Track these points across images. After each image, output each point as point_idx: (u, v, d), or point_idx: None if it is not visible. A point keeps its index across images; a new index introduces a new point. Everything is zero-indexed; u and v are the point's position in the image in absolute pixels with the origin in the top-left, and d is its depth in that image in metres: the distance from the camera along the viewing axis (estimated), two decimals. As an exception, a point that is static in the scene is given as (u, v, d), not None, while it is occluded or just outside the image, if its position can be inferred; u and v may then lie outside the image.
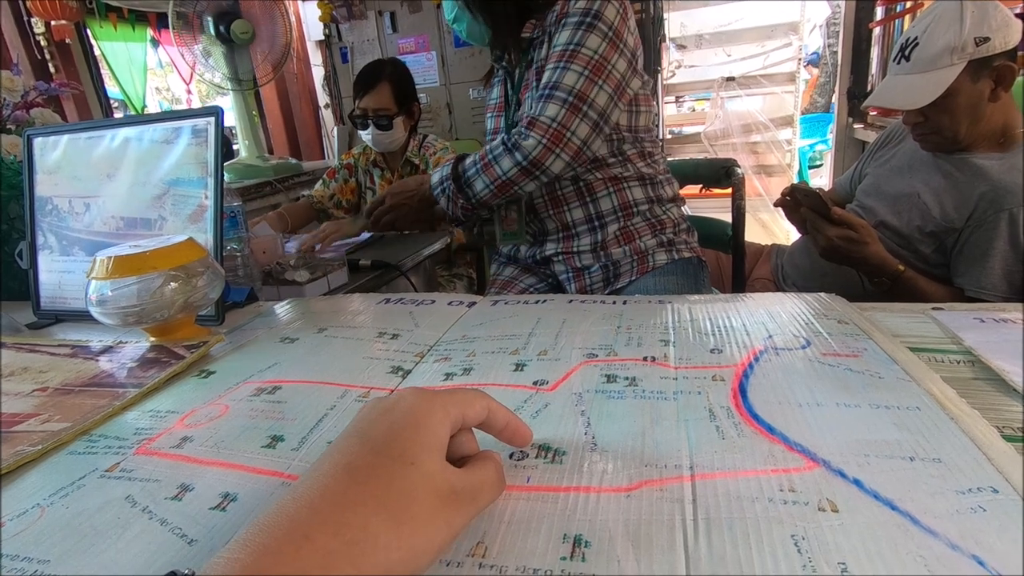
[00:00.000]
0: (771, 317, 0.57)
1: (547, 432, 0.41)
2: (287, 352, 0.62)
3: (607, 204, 0.99)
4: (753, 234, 1.75)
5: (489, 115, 1.11)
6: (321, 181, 1.92)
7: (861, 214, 1.30)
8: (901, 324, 0.56)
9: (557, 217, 1.02)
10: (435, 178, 1.01)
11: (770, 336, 0.52)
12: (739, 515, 0.31)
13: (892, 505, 0.30)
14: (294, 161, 2.89)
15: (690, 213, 1.28)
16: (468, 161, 0.97)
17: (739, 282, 1.39)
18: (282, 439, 0.44)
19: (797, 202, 1.21)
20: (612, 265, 1.00)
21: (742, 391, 0.43)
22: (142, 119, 0.89)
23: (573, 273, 1.02)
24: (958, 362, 0.48)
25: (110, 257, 0.64)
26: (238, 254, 1.14)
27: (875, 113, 2.69)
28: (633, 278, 0.99)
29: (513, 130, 0.91)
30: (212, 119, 0.79)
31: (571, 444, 0.39)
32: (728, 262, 1.46)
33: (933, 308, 0.59)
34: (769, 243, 1.66)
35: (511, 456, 0.38)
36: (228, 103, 2.69)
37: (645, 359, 0.50)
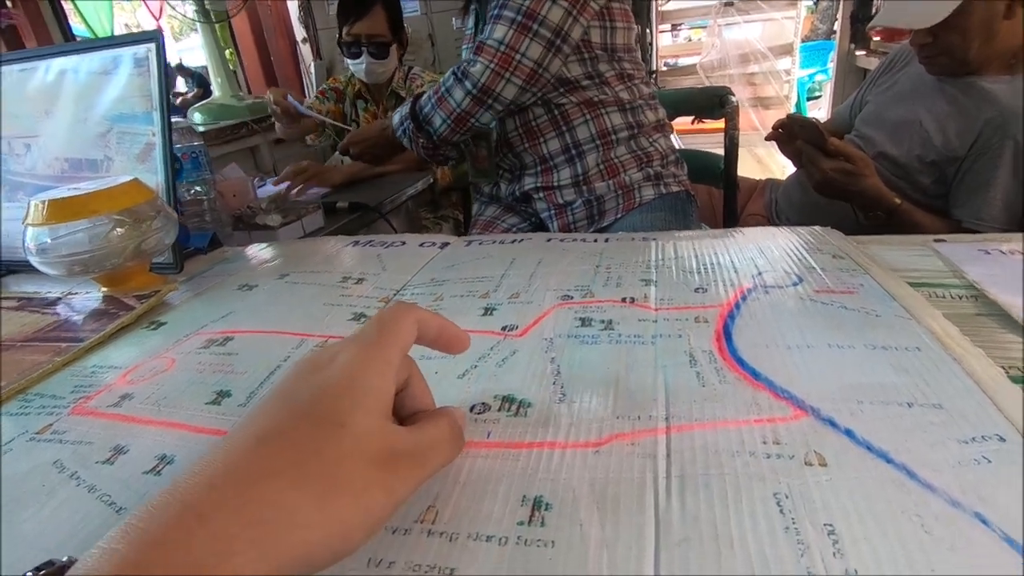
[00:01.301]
0: (761, 253, 0.53)
1: (513, 382, 0.37)
2: (244, 300, 0.58)
3: (584, 132, 0.93)
4: (748, 170, 1.68)
5: (465, 46, 1.02)
6: (316, 97, 1.81)
7: (859, 144, 1.24)
8: (900, 258, 0.52)
9: (533, 149, 0.96)
10: (395, 119, 0.96)
11: (760, 273, 0.48)
12: (717, 471, 0.28)
13: (887, 457, 0.27)
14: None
15: (681, 147, 1.21)
16: (424, 98, 0.91)
17: (731, 218, 1.34)
18: (229, 394, 0.40)
19: (792, 134, 1.16)
20: (596, 201, 0.95)
21: (726, 333, 0.39)
22: (75, 47, 0.81)
23: (555, 210, 0.97)
24: (961, 297, 0.44)
25: (44, 201, 0.59)
26: (204, 198, 1.08)
27: (879, 38, 2.55)
28: (619, 216, 0.94)
29: (463, 57, 0.85)
30: (152, 45, 0.71)
31: (538, 395, 0.35)
32: (720, 197, 1.40)
33: (935, 240, 0.55)
34: (764, 178, 1.61)
35: (472, 409, 0.35)
36: (200, 40, 2.52)
37: (624, 300, 0.46)
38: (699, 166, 1.35)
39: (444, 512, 0.28)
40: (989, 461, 0.26)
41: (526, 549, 0.25)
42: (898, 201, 1.12)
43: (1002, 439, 0.27)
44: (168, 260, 0.71)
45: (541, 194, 0.97)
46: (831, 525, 0.24)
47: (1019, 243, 0.52)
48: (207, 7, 2.40)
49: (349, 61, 1.65)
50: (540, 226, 1.03)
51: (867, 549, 0.23)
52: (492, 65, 0.82)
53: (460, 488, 0.29)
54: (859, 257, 0.50)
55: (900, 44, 1.33)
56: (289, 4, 3.91)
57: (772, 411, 0.31)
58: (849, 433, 0.29)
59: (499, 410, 0.35)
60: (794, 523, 0.24)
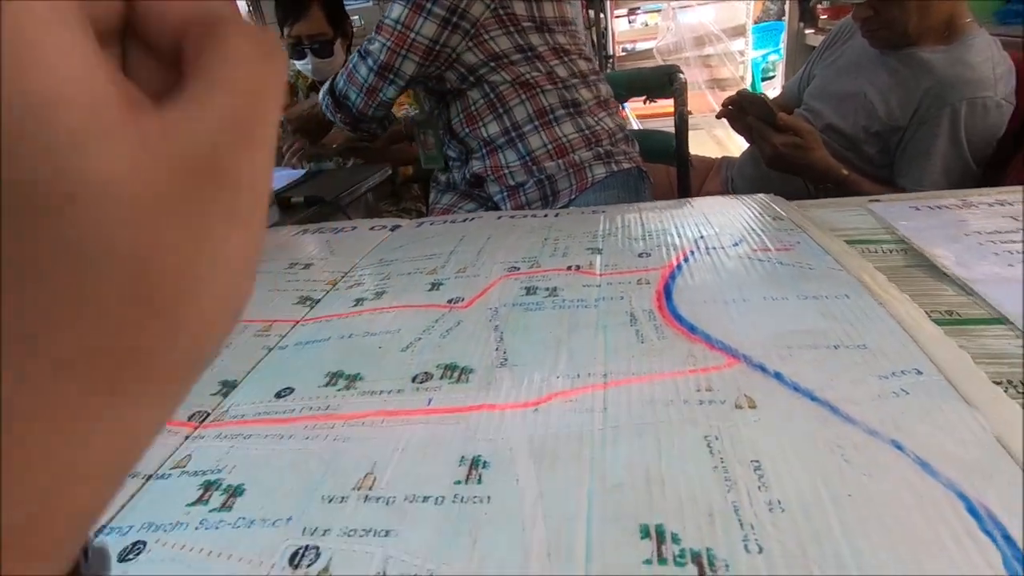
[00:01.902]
0: (706, 219, 0.54)
1: (456, 351, 0.37)
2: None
3: (521, 113, 0.93)
4: (708, 150, 1.71)
5: None
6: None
7: (808, 118, 1.27)
8: (837, 218, 0.53)
9: (475, 134, 0.96)
10: (320, 95, 0.97)
11: (702, 237, 0.49)
12: (651, 420, 0.28)
13: (812, 396, 0.28)
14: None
15: (640, 127, 1.22)
16: (339, 75, 0.94)
17: (686, 195, 1.36)
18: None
19: (742, 110, 1.18)
20: (547, 180, 0.95)
21: (667, 292, 0.40)
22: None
23: (507, 192, 0.97)
24: (891, 251, 0.46)
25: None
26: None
27: (826, 17, 2.62)
28: (573, 196, 0.94)
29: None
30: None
31: (480, 361, 0.35)
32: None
33: (870, 200, 0.57)
34: (719, 156, 1.63)
35: (414, 379, 0.35)
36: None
37: (569, 268, 0.46)
38: (654, 146, 1.36)
39: (382, 478, 0.28)
40: (907, 393, 0.27)
41: (462, 506, 0.25)
42: (846, 172, 1.16)
43: (919, 372, 0.29)
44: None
45: (492, 176, 0.97)
46: (757, 461, 0.25)
47: (948, 199, 0.54)
48: None
49: (295, 61, 1.62)
50: (496, 209, 1.02)
51: (790, 481, 0.24)
52: (389, 43, 0.86)
53: (400, 454, 0.29)
54: (798, 218, 0.51)
55: (844, 19, 1.37)
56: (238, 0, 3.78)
57: (707, 361, 0.32)
58: (778, 376, 0.30)
59: (441, 378, 0.34)
60: (723, 462, 0.25)
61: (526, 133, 0.94)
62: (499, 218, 0.64)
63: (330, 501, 0.27)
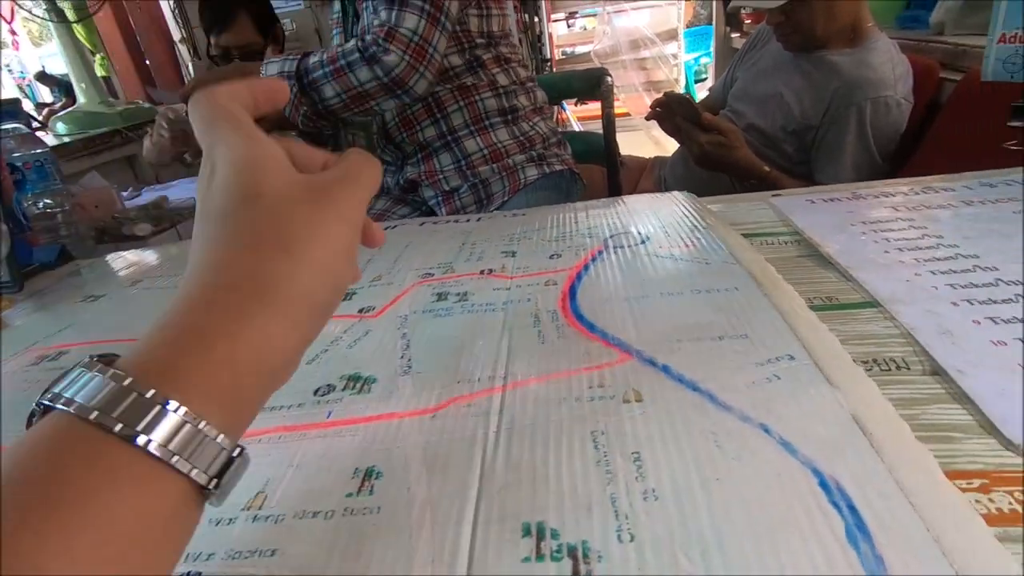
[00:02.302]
0: (618, 217, 0.55)
1: (361, 361, 0.37)
2: (87, 312, 0.53)
3: (458, 118, 0.93)
4: (646, 151, 1.76)
5: (335, 31, 0.99)
6: None
7: (732, 119, 1.33)
8: (741, 212, 0.56)
9: (411, 138, 0.95)
10: (271, 69, 0.84)
11: (611, 236, 0.50)
12: (543, 419, 0.29)
13: (694, 386, 0.29)
14: (147, 105, 2.53)
15: (579, 128, 1.24)
16: (313, 61, 0.82)
17: (616, 194, 1.40)
18: (54, 410, 0.37)
19: (670, 110, 1.22)
20: (482, 184, 0.95)
21: (571, 293, 0.41)
22: None
23: (442, 196, 0.97)
24: (787, 243, 0.48)
25: None
26: (56, 211, 0.98)
27: (749, 21, 2.74)
28: (506, 198, 0.95)
29: (368, 38, 0.79)
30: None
31: (384, 370, 0.35)
32: (613, 176, 1.45)
33: (772, 195, 0.60)
34: (653, 156, 1.68)
35: (316, 392, 0.34)
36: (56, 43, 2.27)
37: (482, 272, 0.47)
38: (588, 147, 1.39)
39: (273, 496, 0.27)
40: (779, 378, 0.29)
41: (352, 518, 0.25)
42: (767, 169, 1.22)
43: (792, 358, 0.30)
44: (4, 278, 0.64)
45: (426, 181, 0.97)
46: (638, 453, 0.26)
47: (841, 191, 0.57)
48: (59, 5, 2.18)
49: None
50: (430, 213, 1.02)
51: (665, 469, 0.25)
52: (408, 57, 0.78)
53: (293, 471, 0.28)
54: (704, 214, 0.53)
55: (761, 24, 1.43)
56: (162, 2, 3.62)
57: (601, 358, 0.33)
58: (666, 369, 0.31)
59: (343, 389, 0.34)
60: (606, 456, 0.26)
61: (461, 138, 0.94)
62: (422, 224, 0.63)
63: (218, 524, 0.26)
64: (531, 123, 0.99)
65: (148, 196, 1.29)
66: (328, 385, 0.35)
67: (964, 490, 0.23)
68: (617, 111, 1.40)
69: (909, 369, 0.30)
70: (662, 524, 0.22)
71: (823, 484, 0.23)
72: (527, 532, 0.23)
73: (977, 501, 0.23)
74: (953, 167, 0.59)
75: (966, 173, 0.57)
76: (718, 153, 1.20)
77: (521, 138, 0.97)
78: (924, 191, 0.54)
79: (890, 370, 0.30)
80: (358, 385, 0.34)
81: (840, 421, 0.26)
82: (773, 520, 0.22)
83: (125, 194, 1.54)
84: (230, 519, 0.26)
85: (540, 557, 0.22)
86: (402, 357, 0.36)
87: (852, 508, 0.22)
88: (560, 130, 1.13)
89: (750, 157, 1.21)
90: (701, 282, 0.40)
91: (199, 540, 0.25)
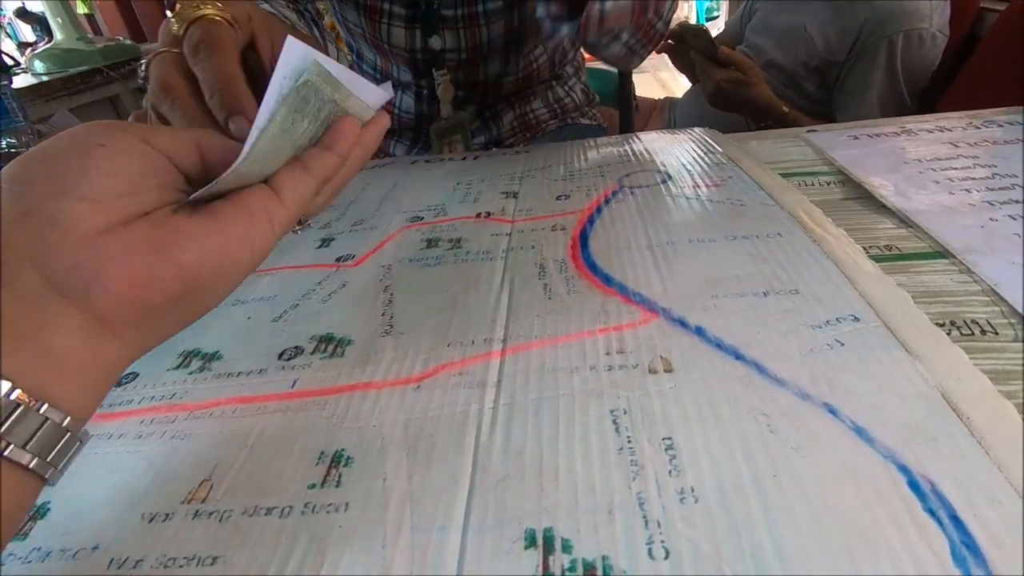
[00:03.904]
0: (634, 155, 0.48)
1: (335, 318, 0.31)
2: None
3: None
4: (653, 93, 1.65)
5: None
6: None
7: (749, 54, 1.23)
8: (773, 150, 0.49)
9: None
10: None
11: (627, 175, 0.44)
12: (551, 393, 0.23)
13: (737, 353, 0.24)
14: (128, 42, 2.38)
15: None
16: None
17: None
18: None
19: (685, 44, 1.13)
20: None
21: (583, 239, 0.35)
22: None
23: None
24: (829, 183, 0.42)
25: None
26: (20, 151, 0.91)
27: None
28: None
29: None
30: None
31: (361, 330, 0.30)
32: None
33: (808, 130, 0.53)
34: (663, 97, 1.58)
35: (281, 355, 0.29)
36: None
37: (478, 216, 0.40)
38: (599, 86, 1.29)
39: (220, 486, 0.22)
40: (842, 344, 0.23)
41: (313, 517, 0.20)
42: (786, 109, 1.13)
43: (856, 319, 0.25)
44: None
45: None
46: (670, 439, 0.20)
47: (887, 127, 0.50)
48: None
49: None
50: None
51: (706, 461, 0.19)
52: None
53: (247, 453, 0.23)
54: (732, 150, 0.47)
55: (785, -49, 1.31)
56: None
57: (620, 317, 0.27)
58: (700, 331, 0.25)
59: (313, 352, 0.29)
60: (629, 442, 0.21)
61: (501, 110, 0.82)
62: (412, 163, 0.57)
63: (152, 520, 0.21)
64: (567, 87, 0.88)
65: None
66: (296, 347, 0.29)
67: (1089, 491, 0.18)
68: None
69: (997, 334, 0.25)
70: (705, 534, 0.17)
71: (914, 485, 0.18)
72: (531, 542, 0.18)
73: (1109, 506, 0.18)
74: (994, 106, 0.51)
75: (1031, 105, 0.50)
76: (735, 91, 1.12)
77: (554, 106, 0.86)
78: (986, 125, 0.47)
79: (972, 335, 0.25)
80: (330, 347, 0.29)
81: (926, 400, 0.21)
82: (850, 532, 0.17)
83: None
84: (166, 515, 0.21)
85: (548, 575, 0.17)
86: (383, 314, 0.31)
87: (956, 520, 0.17)
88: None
89: (768, 95, 1.13)
90: (737, 226, 0.34)
91: (126, 541, 0.20)
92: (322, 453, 0.23)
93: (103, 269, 0.16)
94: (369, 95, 0.22)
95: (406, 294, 0.32)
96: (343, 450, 0.23)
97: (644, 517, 0.18)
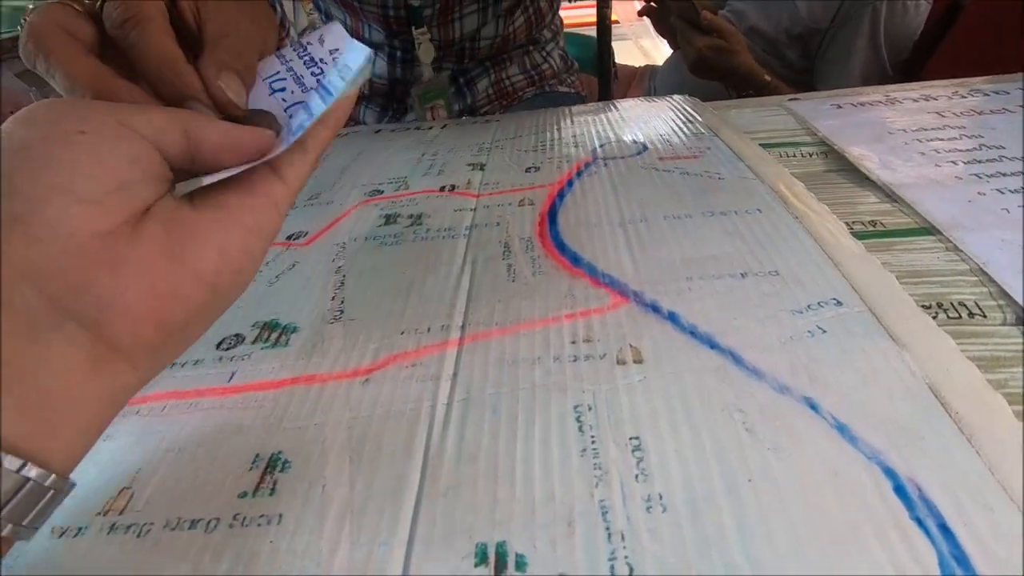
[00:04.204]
0: (610, 124, 0.46)
1: (281, 303, 0.28)
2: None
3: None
4: (633, 61, 1.61)
5: None
6: None
7: (732, 20, 1.20)
8: (754, 119, 0.47)
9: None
10: None
11: (601, 145, 0.41)
12: (510, 388, 0.21)
13: (711, 342, 0.22)
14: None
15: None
16: None
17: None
18: None
19: (667, 9, 1.09)
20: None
21: (551, 215, 0.32)
22: None
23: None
24: (811, 155, 0.40)
25: None
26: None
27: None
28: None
29: None
30: None
31: (308, 316, 0.27)
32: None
33: (790, 99, 0.51)
34: (643, 64, 1.55)
35: (219, 345, 0.26)
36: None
37: (443, 189, 0.38)
38: (577, 52, 1.24)
39: (141, 495, 0.20)
40: (823, 331, 0.22)
41: (242, 531, 0.18)
42: (767, 78, 1.11)
43: (839, 303, 0.23)
44: None
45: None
46: (637, 439, 0.19)
47: (872, 95, 0.49)
48: None
49: None
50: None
51: (676, 464, 0.18)
52: None
53: (174, 456, 0.21)
54: (711, 120, 0.44)
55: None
56: None
57: (588, 302, 0.25)
58: (672, 318, 0.23)
59: (255, 342, 0.26)
60: (593, 443, 0.19)
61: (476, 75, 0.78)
62: (377, 132, 0.53)
63: (62, 535, 0.19)
64: (544, 52, 0.84)
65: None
66: (236, 335, 0.27)
67: (1083, 491, 0.17)
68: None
69: (985, 317, 0.23)
70: (673, 548, 0.16)
71: (900, 491, 0.16)
72: (482, 557, 0.16)
73: (1104, 508, 0.16)
74: (979, 75, 0.50)
75: (1019, 74, 0.48)
76: (717, 59, 1.09)
77: (532, 73, 0.82)
78: (972, 94, 0.45)
79: (960, 318, 0.23)
80: (274, 336, 0.26)
81: (913, 394, 0.19)
82: (831, 543, 0.15)
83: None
84: (79, 528, 0.19)
85: (499, 598, 0.15)
86: (333, 298, 0.28)
87: (945, 529, 0.15)
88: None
89: (751, 63, 1.10)
90: (714, 201, 0.32)
91: (32, 559, 0.18)
92: (257, 456, 0.20)
93: (120, 286, 0.14)
94: (355, 58, 0.21)
95: (359, 276, 0.30)
96: (280, 453, 0.20)
97: (607, 529, 0.16)
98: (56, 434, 0.13)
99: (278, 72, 0.22)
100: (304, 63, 0.22)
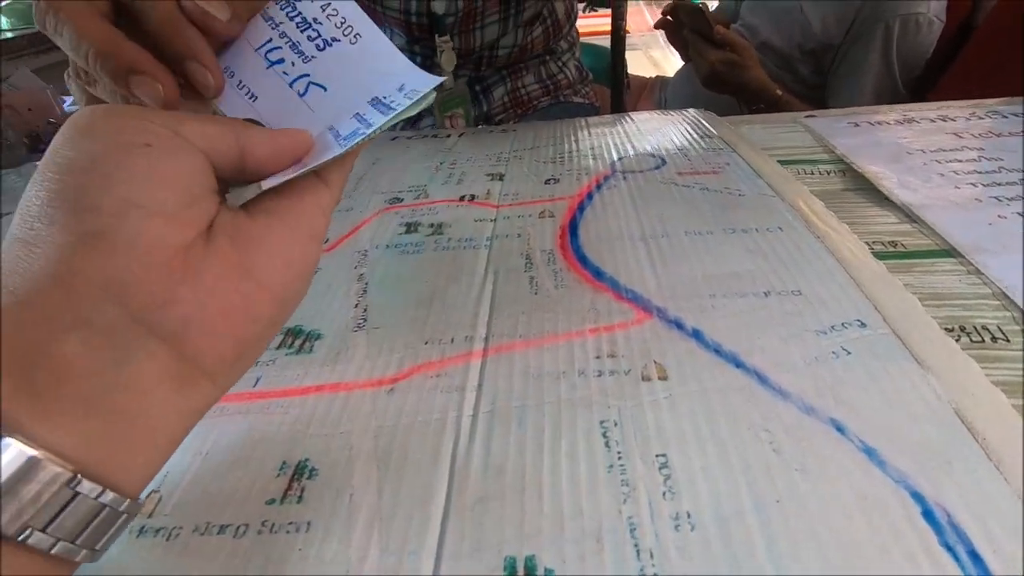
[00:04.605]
0: (627, 137, 0.46)
1: (304, 310, 0.29)
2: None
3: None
4: (644, 71, 1.62)
5: None
6: None
7: (744, 34, 1.20)
8: (771, 135, 0.47)
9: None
10: None
11: (620, 158, 0.42)
12: (535, 402, 0.22)
13: (736, 361, 0.22)
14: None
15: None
16: None
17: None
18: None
19: (680, 22, 1.10)
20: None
21: (572, 228, 0.33)
22: None
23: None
24: (829, 172, 0.40)
25: None
26: (-25, 113, 0.86)
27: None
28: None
29: None
30: None
31: (332, 323, 0.27)
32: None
33: (806, 116, 0.51)
34: (654, 75, 1.55)
35: (243, 350, 0.26)
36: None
37: (462, 199, 0.38)
38: (591, 62, 1.25)
39: (170, 499, 0.20)
40: (848, 353, 0.22)
41: (270, 538, 0.18)
42: (779, 93, 1.12)
43: (863, 324, 0.23)
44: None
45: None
46: (664, 456, 0.19)
47: (888, 114, 0.49)
48: None
49: None
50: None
51: (703, 483, 0.18)
52: None
53: (201, 461, 0.21)
54: (729, 135, 0.45)
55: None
56: None
57: (612, 317, 0.25)
58: (697, 335, 0.24)
59: (279, 347, 0.26)
60: (620, 459, 0.19)
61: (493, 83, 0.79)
62: (393, 138, 0.54)
63: (90, 537, 0.19)
64: (560, 62, 0.84)
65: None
66: (259, 341, 0.27)
67: (1110, 521, 0.17)
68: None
69: (1008, 341, 0.23)
70: (702, 566, 0.16)
71: (928, 515, 0.16)
72: (511, 570, 0.16)
73: None
74: (989, 96, 0.50)
75: (1035, 96, 0.49)
76: (729, 73, 1.10)
77: (548, 82, 0.82)
78: (989, 115, 0.45)
79: (983, 342, 0.24)
80: (298, 342, 0.26)
81: (939, 418, 0.19)
82: (860, 567, 0.15)
83: (68, 99, 1.37)
84: (108, 531, 0.19)
85: (529, 613, 0.15)
86: (356, 306, 0.28)
87: (975, 556, 0.15)
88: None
89: (763, 78, 1.11)
90: (735, 218, 0.32)
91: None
92: (284, 463, 0.21)
93: (200, 302, 0.14)
94: (424, 81, 0.20)
95: (382, 284, 0.30)
96: (307, 460, 0.21)
97: (635, 546, 0.16)
98: (134, 456, 0.13)
99: (270, 39, 0.20)
100: (296, 25, 0.20)
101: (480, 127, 0.55)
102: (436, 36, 0.58)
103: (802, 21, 1.11)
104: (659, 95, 1.52)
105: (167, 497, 0.20)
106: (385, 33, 0.71)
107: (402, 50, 0.69)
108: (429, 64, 0.64)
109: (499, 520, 0.18)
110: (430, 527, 0.18)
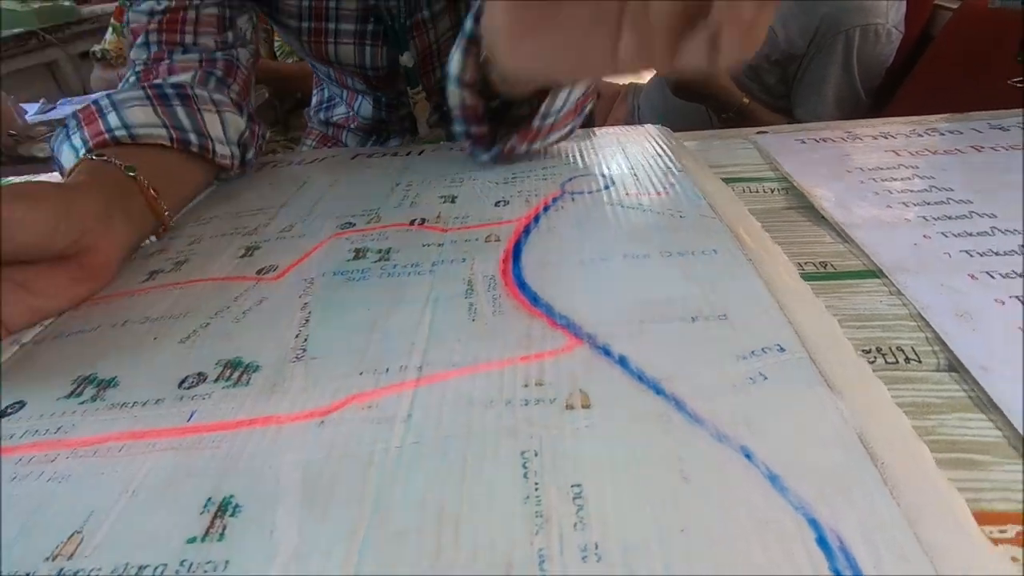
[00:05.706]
0: (580, 156, 0.47)
1: (247, 340, 0.29)
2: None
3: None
4: (617, 80, 1.64)
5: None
6: (111, 28, 1.48)
7: (712, 44, 1.23)
8: (726, 152, 0.48)
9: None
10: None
11: (570, 179, 0.42)
12: (463, 432, 0.22)
13: (657, 388, 0.23)
14: (68, 3, 2.25)
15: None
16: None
17: (588, 125, 1.30)
18: None
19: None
20: None
21: (516, 253, 0.33)
22: None
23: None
24: (773, 191, 0.41)
25: None
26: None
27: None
28: None
29: None
30: None
31: (272, 354, 0.28)
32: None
33: (757, 132, 0.52)
34: (627, 83, 1.58)
35: (182, 383, 0.27)
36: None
37: (412, 223, 0.38)
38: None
39: (92, 539, 0.20)
40: (765, 378, 0.23)
41: (189, 578, 0.18)
42: (746, 101, 1.14)
43: (781, 349, 0.24)
44: None
45: None
46: (579, 486, 0.19)
47: (834, 130, 0.50)
48: None
49: None
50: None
51: (613, 513, 0.18)
52: None
53: (128, 499, 0.21)
54: (680, 153, 0.46)
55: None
56: None
57: (544, 344, 0.26)
58: (623, 362, 0.24)
59: (216, 380, 0.26)
60: (537, 490, 0.19)
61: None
62: (354, 158, 0.54)
63: (12, 579, 0.19)
64: None
65: (64, 110, 1.13)
66: (199, 374, 0.27)
67: (996, 541, 0.18)
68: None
69: (920, 362, 0.24)
70: (605, 598, 0.16)
71: (822, 541, 0.17)
72: (423, 607, 0.17)
73: (1013, 559, 0.17)
74: (942, 107, 0.52)
75: (973, 113, 0.50)
76: (698, 81, 1.13)
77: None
78: (928, 133, 0.47)
79: (897, 363, 0.24)
80: (235, 375, 0.27)
81: (843, 442, 0.20)
82: (754, 596, 0.16)
83: (35, 107, 1.35)
84: (27, 574, 0.19)
85: (435, 650, 0.16)
86: (297, 336, 0.29)
87: (861, 581, 0.16)
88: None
89: (730, 87, 1.14)
90: (673, 241, 0.32)
91: (-22, 608, 0.18)
92: (209, 500, 0.21)
93: None
94: None
95: (324, 312, 0.30)
96: (231, 497, 0.21)
97: (543, 579, 0.17)
98: None
99: None
100: None
101: (442, 144, 0.56)
102: (409, 89, 0.60)
103: (769, 32, 1.14)
104: (632, 102, 1.55)
105: (88, 537, 0.20)
106: (347, 79, 0.71)
107: (364, 96, 0.70)
108: (394, 103, 0.65)
109: (416, 554, 0.18)
110: (349, 560, 0.18)
